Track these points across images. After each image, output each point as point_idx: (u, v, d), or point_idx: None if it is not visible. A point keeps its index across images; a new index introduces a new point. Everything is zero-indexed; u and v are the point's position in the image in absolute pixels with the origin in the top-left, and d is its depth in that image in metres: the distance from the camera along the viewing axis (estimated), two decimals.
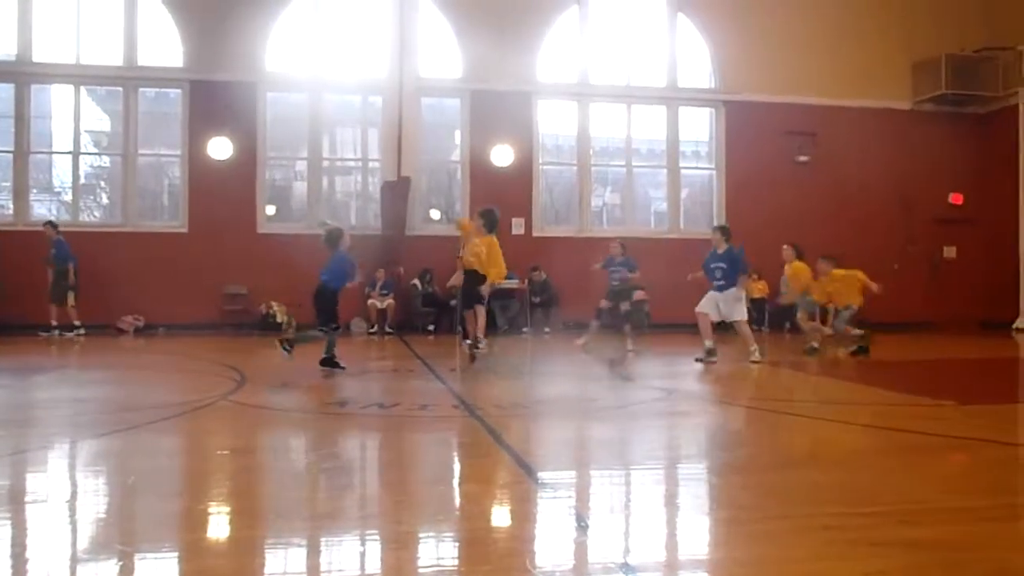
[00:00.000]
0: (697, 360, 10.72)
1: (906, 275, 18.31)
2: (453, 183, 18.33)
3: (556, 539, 3.63)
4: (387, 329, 15.97)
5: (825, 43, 18.10)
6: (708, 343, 10.80)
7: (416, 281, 16.33)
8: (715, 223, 17.26)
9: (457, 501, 4.40)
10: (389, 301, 16.08)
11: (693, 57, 18.46)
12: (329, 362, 9.10)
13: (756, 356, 10.77)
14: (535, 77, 17.59)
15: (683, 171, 18.79)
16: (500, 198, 16.63)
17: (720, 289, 10.87)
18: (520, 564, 3.28)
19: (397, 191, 16.10)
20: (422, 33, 16.63)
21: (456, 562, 3.38)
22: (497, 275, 9.99)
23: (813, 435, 6.15)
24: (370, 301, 15.89)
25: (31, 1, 16.25)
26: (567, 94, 18.02)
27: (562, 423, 6.83)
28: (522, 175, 17.35)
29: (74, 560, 3.38)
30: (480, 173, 17.21)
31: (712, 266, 11.02)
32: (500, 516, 4.10)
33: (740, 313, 10.90)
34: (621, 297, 12.41)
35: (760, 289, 16.95)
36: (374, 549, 3.53)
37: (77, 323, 14.60)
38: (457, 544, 3.59)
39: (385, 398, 7.88)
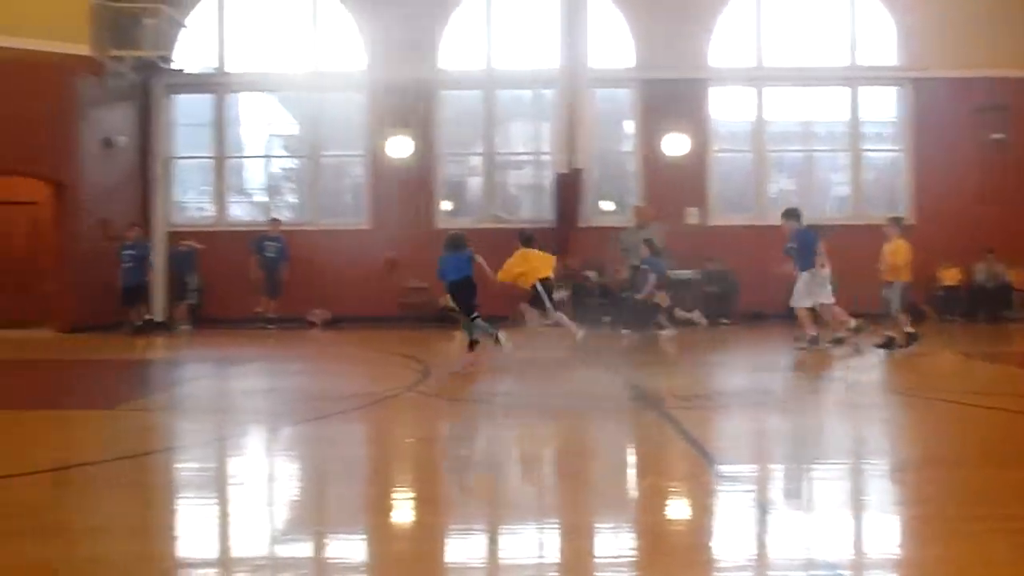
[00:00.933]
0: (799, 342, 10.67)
1: None
2: (625, 173, 18.21)
3: (738, 533, 3.59)
4: None
5: (1020, 8, 16.79)
6: (810, 332, 10.51)
7: (591, 273, 16.35)
8: (901, 207, 16.53)
9: (637, 492, 4.42)
10: (564, 293, 16.16)
11: (876, 33, 17.55)
12: (474, 343, 9.14)
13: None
14: (707, 63, 17.21)
15: (865, 154, 17.94)
16: (674, 187, 16.46)
17: (800, 272, 10.70)
18: (702, 558, 3.27)
19: (569, 183, 16.16)
20: (592, 23, 16.60)
21: (636, 554, 3.40)
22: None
23: (1006, 430, 5.79)
24: None
25: (225, 16, 17.28)
26: (741, 79, 17.54)
27: (742, 415, 6.71)
28: (696, 163, 17.02)
29: (274, 540, 3.62)
30: (652, 162, 17.00)
31: (789, 249, 11.01)
32: (681, 508, 4.09)
33: (823, 296, 10.57)
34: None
35: (953, 276, 16.03)
36: (553, 539, 3.60)
37: (272, 315, 15.42)
38: (637, 536, 3.61)
39: (564, 389, 7.97)
